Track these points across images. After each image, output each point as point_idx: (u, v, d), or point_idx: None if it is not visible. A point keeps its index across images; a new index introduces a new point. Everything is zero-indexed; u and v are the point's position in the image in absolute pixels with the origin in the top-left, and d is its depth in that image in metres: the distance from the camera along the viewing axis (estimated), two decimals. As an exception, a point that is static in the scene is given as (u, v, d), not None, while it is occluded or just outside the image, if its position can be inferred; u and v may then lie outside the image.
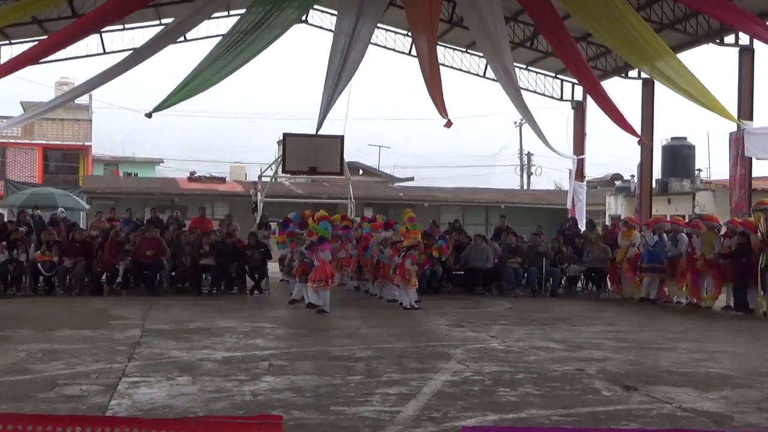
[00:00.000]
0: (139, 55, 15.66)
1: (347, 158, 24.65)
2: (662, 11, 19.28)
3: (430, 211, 31.95)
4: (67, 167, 41.87)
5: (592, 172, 31.69)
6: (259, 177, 25.59)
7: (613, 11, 13.31)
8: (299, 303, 14.44)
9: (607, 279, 18.18)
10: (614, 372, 8.36)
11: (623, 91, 30.14)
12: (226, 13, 22.10)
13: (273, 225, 21.31)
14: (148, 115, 15.88)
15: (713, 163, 34.06)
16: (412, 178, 47.44)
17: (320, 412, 6.38)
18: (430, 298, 15.81)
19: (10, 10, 14.10)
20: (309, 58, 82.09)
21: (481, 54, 22.98)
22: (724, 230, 15.87)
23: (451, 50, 25.06)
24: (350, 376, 7.89)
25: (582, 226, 22.36)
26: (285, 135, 23.15)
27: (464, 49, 24.90)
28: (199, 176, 39.88)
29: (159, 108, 15.84)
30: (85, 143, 41.84)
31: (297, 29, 22.27)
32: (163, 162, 49.73)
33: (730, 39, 18.97)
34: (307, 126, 53.33)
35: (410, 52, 24.11)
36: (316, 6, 22.41)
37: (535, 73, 25.54)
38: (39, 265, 16.03)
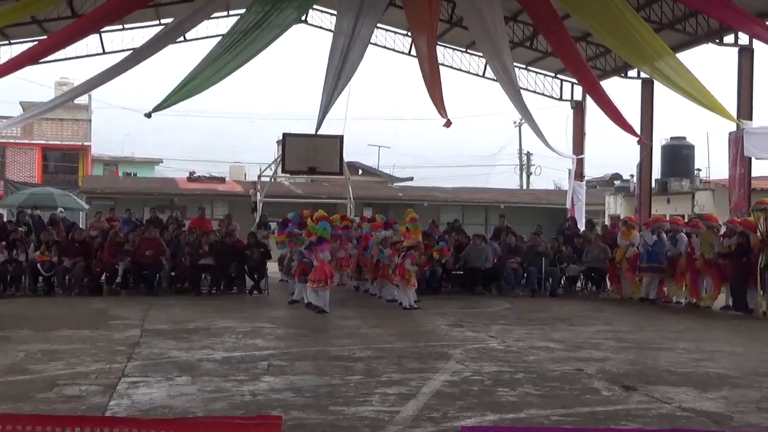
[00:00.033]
0: (138, 55, 15.64)
1: (347, 158, 24.67)
2: (662, 11, 19.28)
3: (430, 211, 31.91)
4: (66, 167, 41.88)
5: (591, 172, 31.64)
6: (259, 177, 25.61)
7: (613, 11, 13.30)
8: (299, 303, 14.44)
9: (607, 279, 18.18)
10: (613, 372, 8.36)
11: (623, 90, 30.21)
12: (225, 13, 22.10)
13: (272, 225, 21.30)
14: (148, 115, 15.86)
15: (713, 162, 33.98)
16: (411, 178, 47.43)
17: (319, 412, 6.38)
18: (429, 298, 15.81)
19: (10, 10, 14.08)
20: (309, 58, 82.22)
21: (481, 54, 22.97)
22: (723, 230, 15.86)
23: (451, 50, 25.05)
24: (350, 376, 7.89)
25: (581, 226, 22.32)
26: (284, 135, 23.14)
27: (464, 49, 24.90)
28: (199, 176, 39.85)
29: (158, 108, 15.82)
30: (85, 143, 41.87)
31: (296, 29, 22.33)
32: (162, 162, 49.79)
33: (729, 39, 18.97)
34: (306, 126, 53.19)
35: (410, 52, 24.10)
36: (315, 6, 22.41)
37: (534, 73, 25.53)
38: (38, 265, 16.03)
